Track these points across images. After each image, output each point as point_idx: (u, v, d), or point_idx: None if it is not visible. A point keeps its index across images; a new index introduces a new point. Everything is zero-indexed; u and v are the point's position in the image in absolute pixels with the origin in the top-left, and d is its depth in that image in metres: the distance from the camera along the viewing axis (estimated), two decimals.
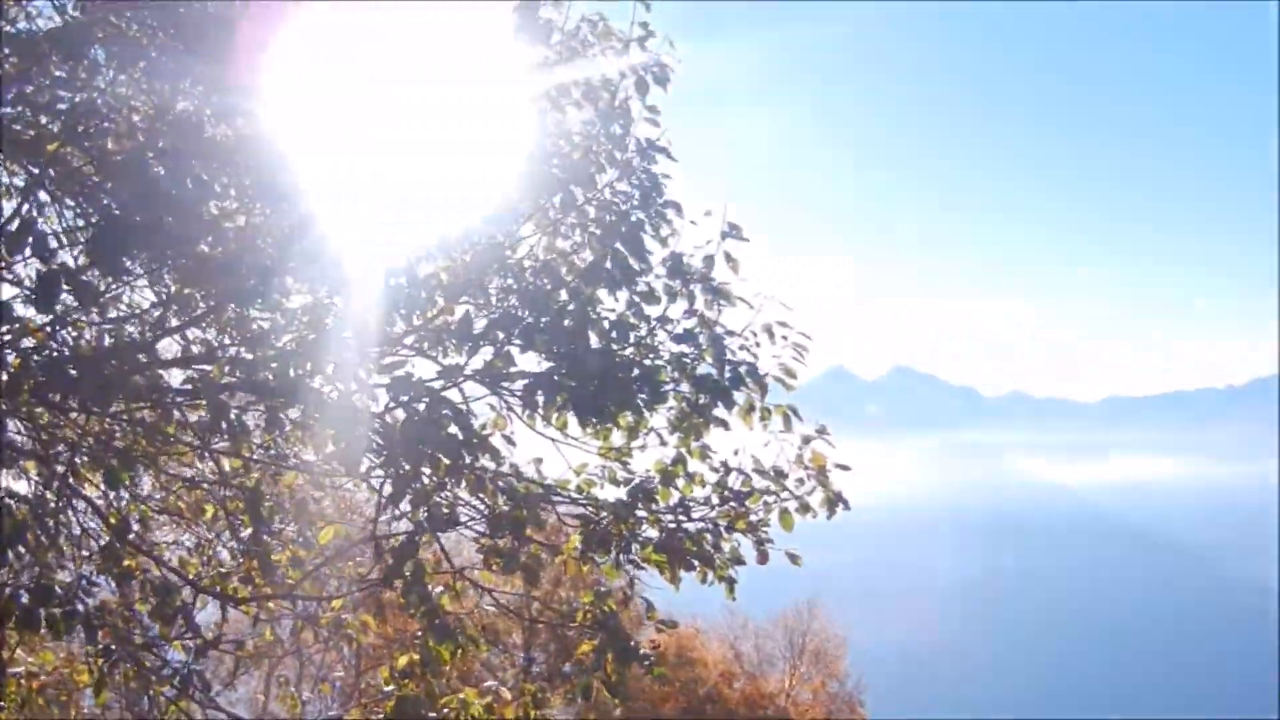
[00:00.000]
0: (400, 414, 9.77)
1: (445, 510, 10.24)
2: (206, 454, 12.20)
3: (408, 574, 10.02)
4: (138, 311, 11.30)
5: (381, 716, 11.87)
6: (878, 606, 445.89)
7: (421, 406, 9.49)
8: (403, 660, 11.62)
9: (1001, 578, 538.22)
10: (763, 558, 10.77)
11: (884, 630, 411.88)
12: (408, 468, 9.78)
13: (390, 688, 11.55)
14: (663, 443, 10.86)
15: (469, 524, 10.58)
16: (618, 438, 11.05)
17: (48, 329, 9.56)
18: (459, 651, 11.05)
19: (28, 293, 9.75)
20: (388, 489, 9.99)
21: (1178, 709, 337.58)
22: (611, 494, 10.99)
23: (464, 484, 10.30)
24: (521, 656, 47.92)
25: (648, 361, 10.30)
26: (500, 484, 10.35)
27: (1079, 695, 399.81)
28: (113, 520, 11.27)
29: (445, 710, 11.72)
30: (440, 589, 10.86)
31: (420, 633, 10.85)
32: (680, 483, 10.80)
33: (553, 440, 10.99)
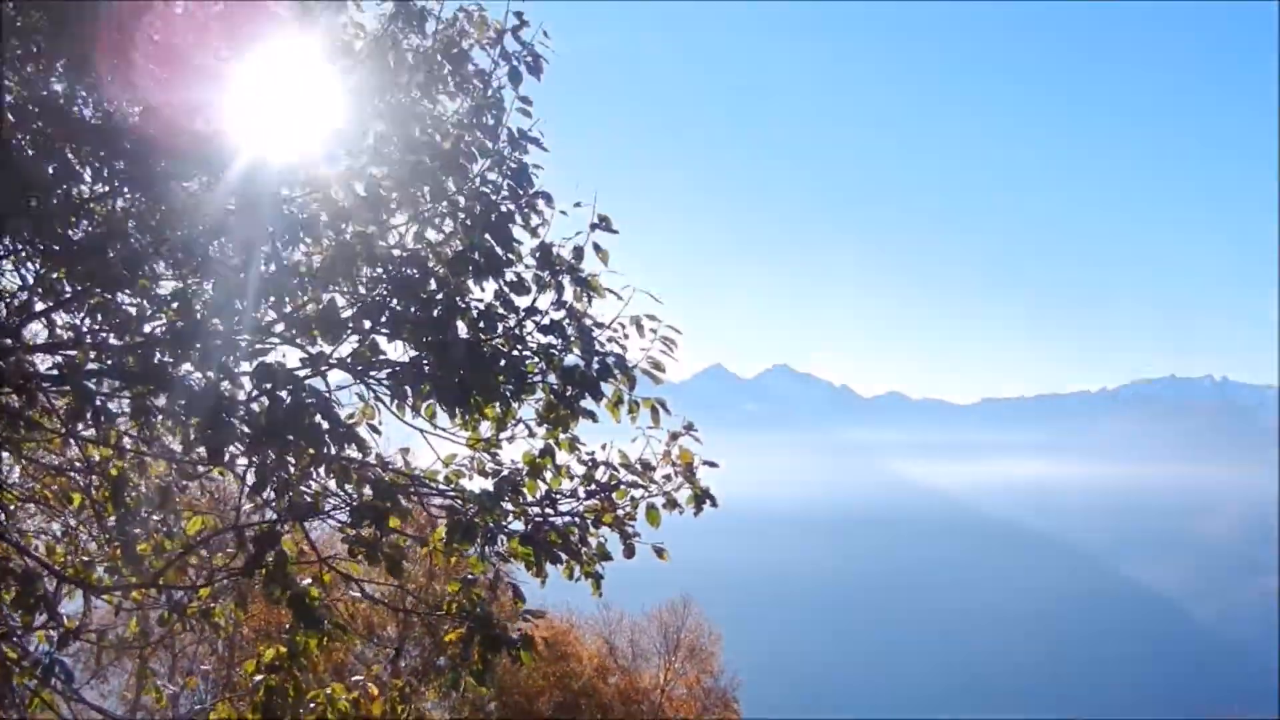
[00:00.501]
0: (266, 402, 9.66)
1: (309, 499, 10.17)
2: (73, 441, 12.05)
3: (270, 563, 9.93)
4: (3, 295, 11.13)
5: (249, 710, 11.76)
6: (753, 603, 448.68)
7: (286, 395, 9.40)
8: (270, 653, 11.51)
9: (876, 576, 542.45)
10: (629, 552, 10.80)
11: (759, 627, 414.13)
12: (273, 456, 9.69)
13: (259, 678, 11.45)
14: (531, 434, 10.88)
15: (332, 514, 10.51)
16: (486, 429, 11.04)
17: None
18: (326, 642, 10.99)
19: None
20: (251, 478, 9.89)
21: (1051, 705, 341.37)
22: (480, 485, 10.97)
23: (329, 473, 10.21)
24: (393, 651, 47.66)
25: (515, 352, 10.30)
26: (368, 474, 10.28)
27: (953, 692, 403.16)
28: None
29: (312, 705, 11.64)
30: (308, 580, 10.76)
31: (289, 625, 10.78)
32: (549, 475, 10.82)
33: (421, 431, 10.95)
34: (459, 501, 10.77)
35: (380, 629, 44.80)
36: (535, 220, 10.76)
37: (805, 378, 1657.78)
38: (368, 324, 10.17)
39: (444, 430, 11.02)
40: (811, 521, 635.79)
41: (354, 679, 12.43)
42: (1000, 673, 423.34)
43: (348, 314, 10.18)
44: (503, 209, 10.53)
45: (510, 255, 10.50)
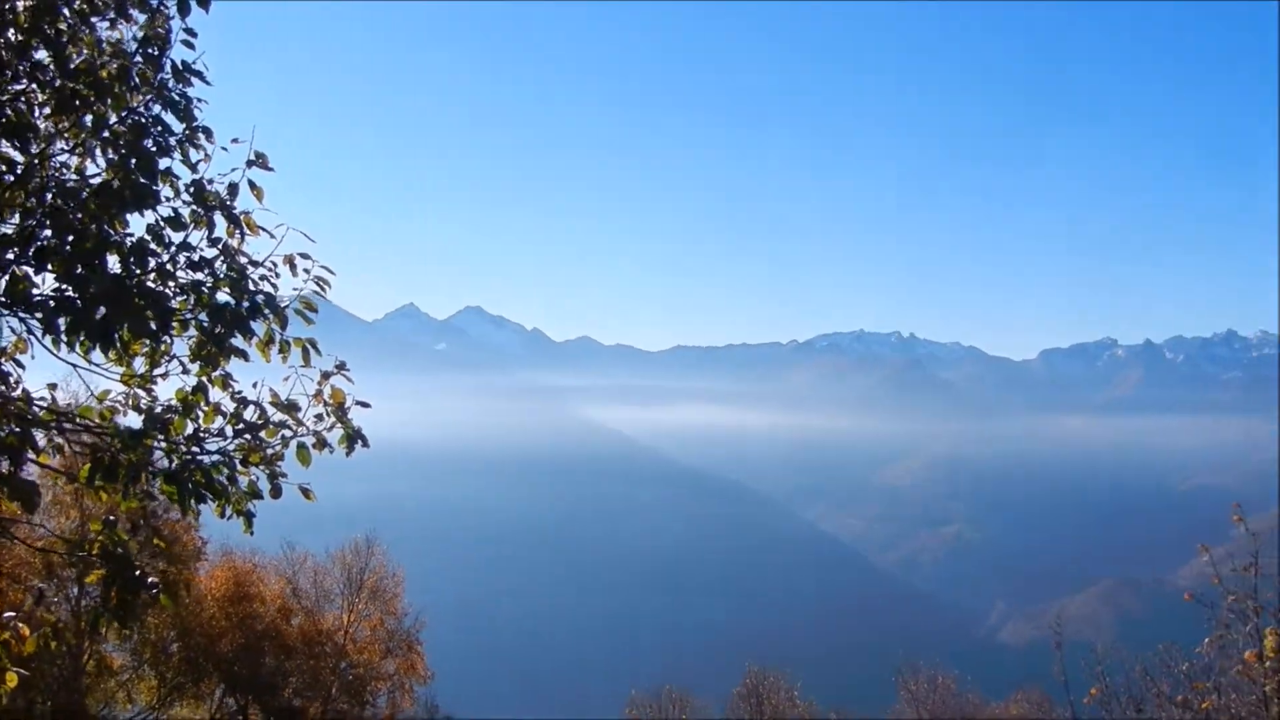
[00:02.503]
0: None
1: None
2: None
3: None
4: None
5: None
6: (439, 542, 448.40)
7: None
8: None
9: (565, 518, 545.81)
10: (276, 492, 10.66)
11: (445, 567, 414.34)
12: None
13: None
14: (185, 371, 10.67)
15: None
16: (140, 365, 10.82)
17: None
18: None
19: None
20: None
21: (737, 646, 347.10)
22: (135, 422, 10.75)
23: None
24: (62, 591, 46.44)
25: (164, 288, 10.11)
26: (9, 409, 9.99)
27: (642, 632, 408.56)
28: None
29: None
30: None
31: None
32: (201, 414, 10.63)
33: (75, 366, 10.68)
34: (107, 438, 10.52)
35: (61, 569, 43.68)
36: (196, 155, 10.55)
37: (498, 320, 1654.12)
38: (11, 255, 9.86)
39: (98, 366, 10.75)
40: (502, 463, 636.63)
41: (5, 616, 12.10)
42: (683, 615, 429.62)
43: None
44: (154, 141, 10.30)
45: (164, 189, 10.29)
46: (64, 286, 9.84)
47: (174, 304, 10.17)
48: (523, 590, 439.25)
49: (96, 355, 10.58)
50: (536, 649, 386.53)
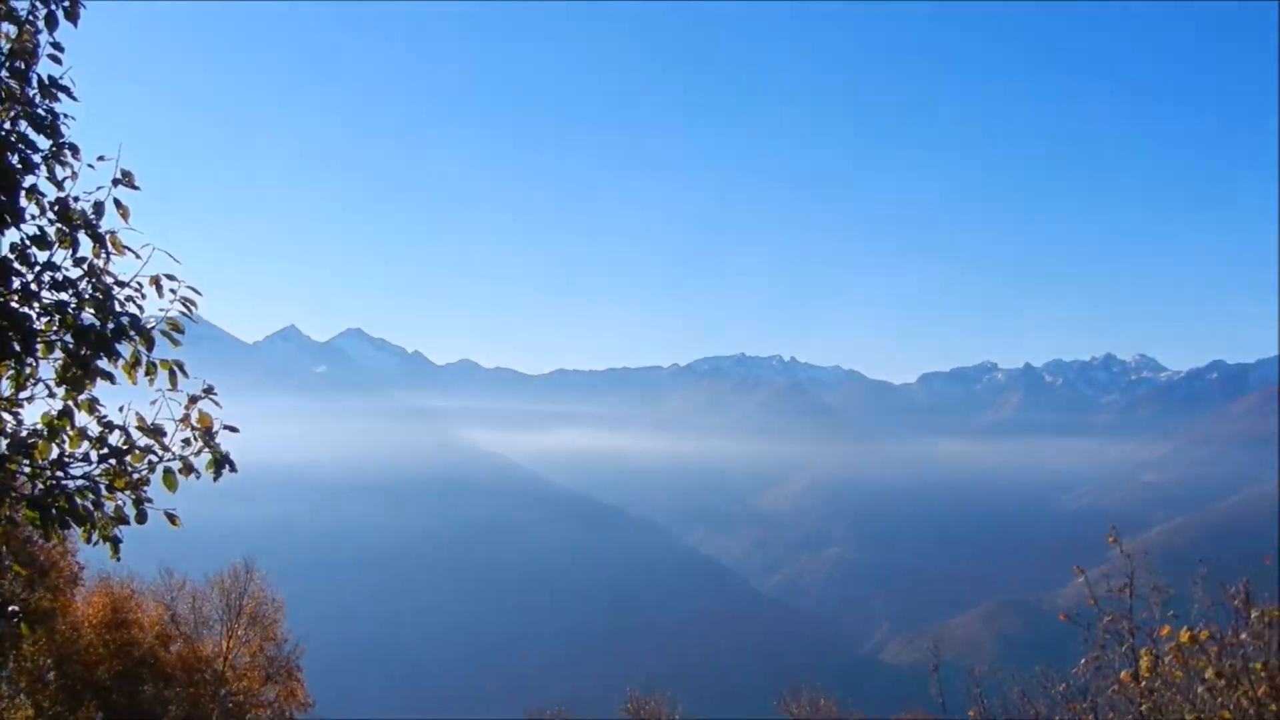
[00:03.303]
0: None
1: None
2: None
3: None
4: None
5: None
6: (320, 566, 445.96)
7: None
8: None
9: (444, 542, 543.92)
10: (141, 518, 10.48)
11: (327, 590, 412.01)
12: None
13: None
14: (51, 394, 10.46)
15: None
16: (5, 387, 10.60)
17: None
18: None
19: None
20: None
21: (613, 667, 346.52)
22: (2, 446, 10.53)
23: None
24: None
25: (26, 309, 9.90)
26: None
27: (525, 656, 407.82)
28: None
29: None
30: None
31: None
32: (67, 438, 10.42)
33: None
34: None
35: None
36: (63, 172, 10.34)
37: (379, 342, 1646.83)
38: None
39: None
40: (383, 487, 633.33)
41: None
42: (564, 638, 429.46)
43: None
44: (19, 158, 10.08)
45: (30, 207, 10.08)
46: None
47: (38, 325, 9.96)
48: (406, 614, 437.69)
49: None
50: (421, 672, 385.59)
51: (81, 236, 10.13)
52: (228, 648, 59.28)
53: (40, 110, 10.41)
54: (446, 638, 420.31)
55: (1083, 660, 16.84)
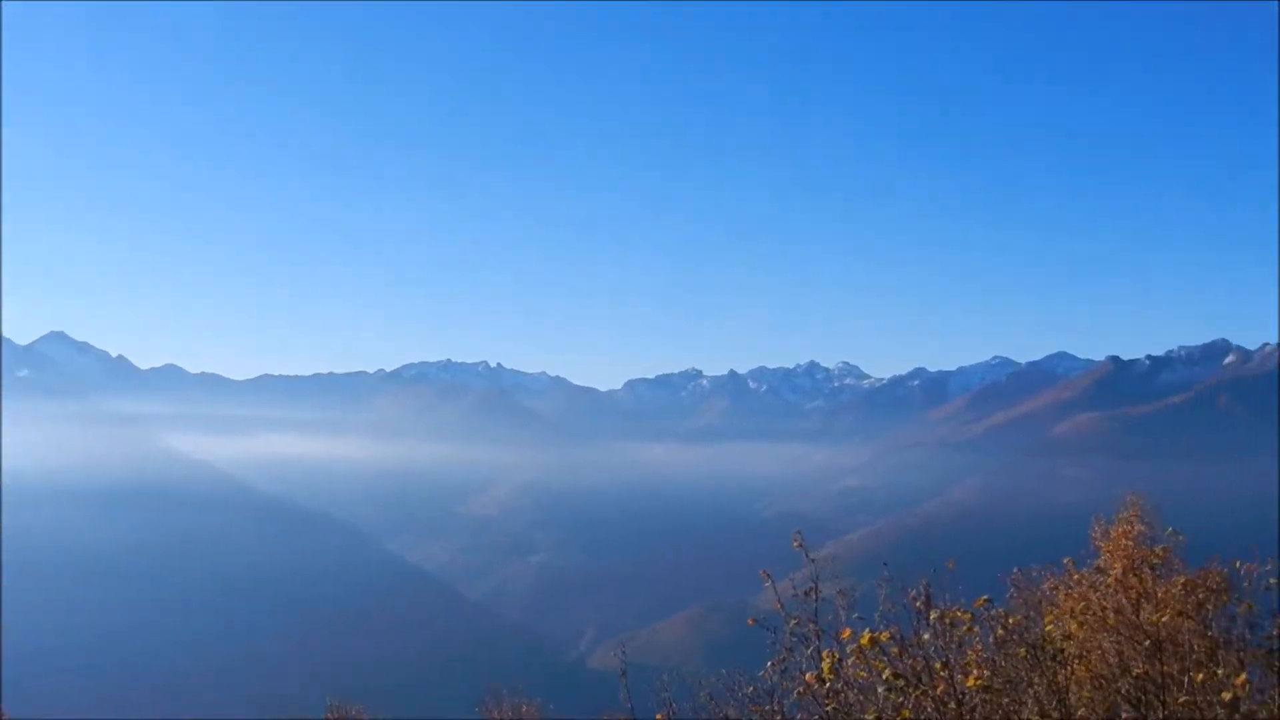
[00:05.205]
0: None
1: None
2: None
3: None
4: None
5: None
6: (19, 576, 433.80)
7: None
8: None
9: (148, 551, 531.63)
10: None
11: (28, 600, 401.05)
12: None
13: None
14: None
15: None
16: None
17: None
18: None
19: None
20: None
21: (316, 678, 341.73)
22: None
23: None
24: None
25: None
26: None
27: (229, 663, 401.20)
28: None
29: None
30: None
31: None
32: None
33: None
34: None
35: None
36: None
37: (83, 345, 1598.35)
38: None
39: None
40: (85, 494, 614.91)
41: None
42: (268, 646, 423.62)
43: None
44: None
45: None
46: None
47: None
48: (108, 623, 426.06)
49: None
50: (123, 683, 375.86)
51: None
52: None
53: None
54: (150, 645, 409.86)
55: (770, 663, 17.10)
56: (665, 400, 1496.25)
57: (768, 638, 17.99)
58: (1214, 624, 18.21)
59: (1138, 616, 18.00)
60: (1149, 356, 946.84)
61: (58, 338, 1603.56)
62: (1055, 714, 16.93)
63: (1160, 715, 17.12)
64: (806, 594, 17.15)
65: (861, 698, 16.29)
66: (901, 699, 15.97)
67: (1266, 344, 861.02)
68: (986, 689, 16.12)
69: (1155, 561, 18.74)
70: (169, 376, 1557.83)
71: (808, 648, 16.67)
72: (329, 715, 68.06)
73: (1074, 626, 18.45)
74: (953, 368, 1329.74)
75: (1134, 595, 18.24)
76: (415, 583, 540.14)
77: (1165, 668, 17.38)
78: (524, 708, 69.68)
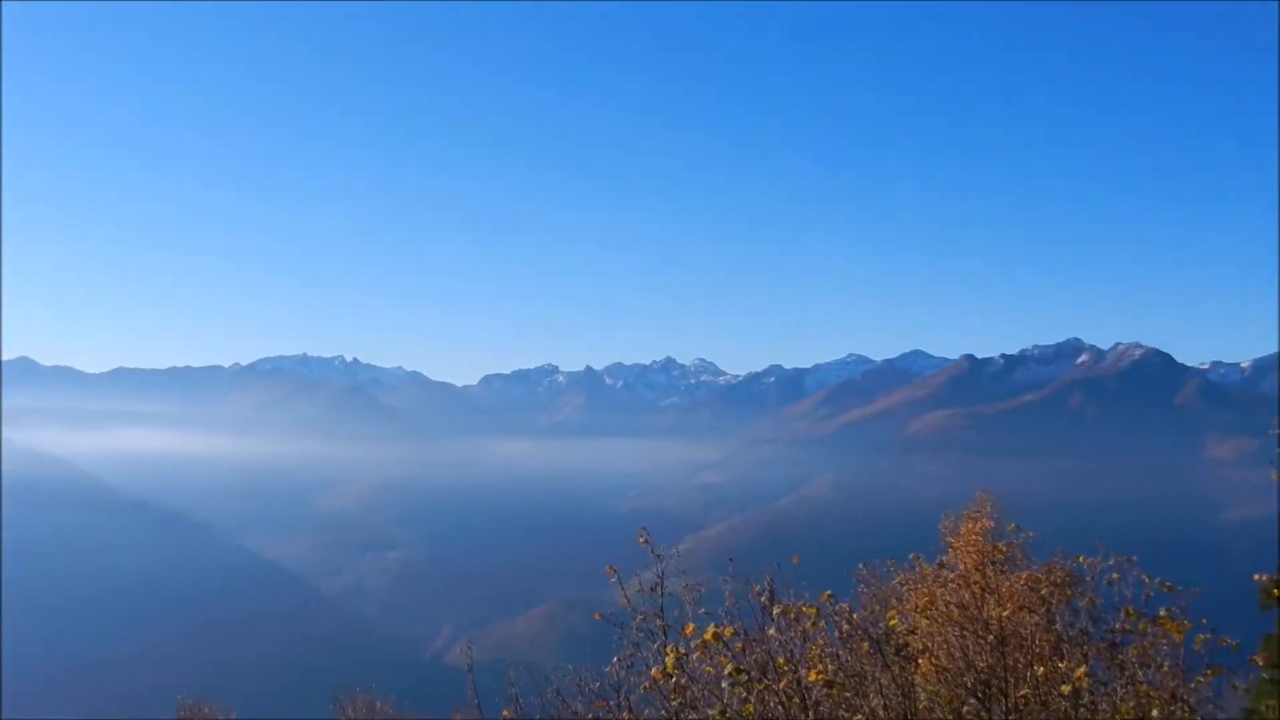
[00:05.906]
0: None
1: None
2: None
3: None
4: None
5: None
6: None
7: None
8: None
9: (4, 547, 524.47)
10: None
11: None
12: None
13: None
14: None
15: None
16: None
17: None
18: None
19: None
20: None
21: (181, 675, 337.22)
22: None
23: None
24: None
25: None
26: None
27: (80, 662, 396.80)
28: None
29: None
30: None
31: None
32: None
33: None
34: None
35: None
36: None
37: None
38: None
39: None
40: None
41: None
42: (120, 645, 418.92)
43: None
44: None
45: None
46: None
47: None
48: None
49: None
50: None
51: None
52: None
53: None
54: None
55: (616, 658, 17.11)
56: (522, 396, 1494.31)
57: (616, 633, 18.01)
58: (1058, 618, 18.48)
59: (982, 611, 18.18)
60: (1003, 355, 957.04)
61: None
62: (899, 708, 17.07)
63: (1004, 708, 17.30)
64: (652, 590, 17.19)
65: (707, 692, 16.32)
66: (745, 693, 16.02)
67: (1119, 344, 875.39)
68: (830, 684, 16.21)
69: (999, 557, 18.95)
70: (22, 369, 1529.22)
71: (654, 643, 16.71)
72: (180, 715, 67.17)
73: (921, 621, 18.61)
74: (809, 365, 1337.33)
75: (978, 590, 18.41)
76: (272, 579, 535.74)
77: (1009, 661, 17.57)
78: (378, 705, 69.30)
